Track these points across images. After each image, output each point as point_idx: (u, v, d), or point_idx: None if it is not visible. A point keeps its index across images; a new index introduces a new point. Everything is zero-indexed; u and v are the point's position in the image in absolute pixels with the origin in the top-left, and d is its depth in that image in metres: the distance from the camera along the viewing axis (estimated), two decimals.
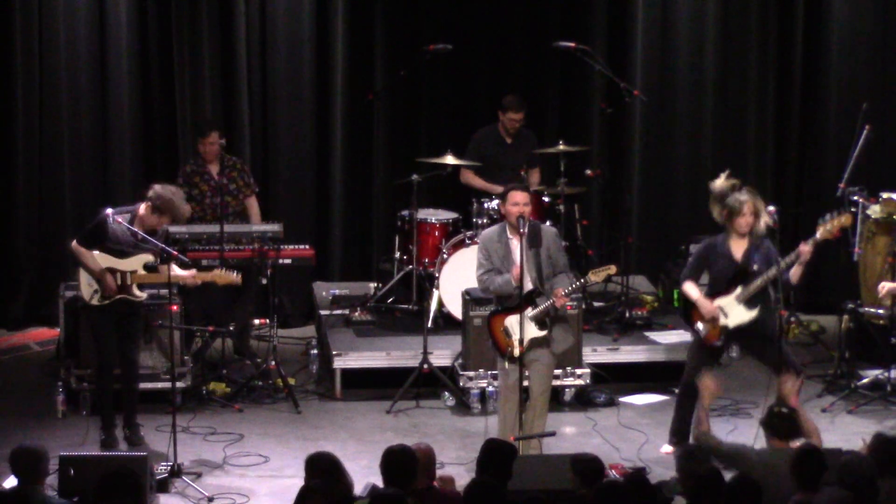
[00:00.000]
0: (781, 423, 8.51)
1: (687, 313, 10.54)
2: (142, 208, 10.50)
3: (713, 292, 10.37)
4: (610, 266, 10.25)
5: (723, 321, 10.30)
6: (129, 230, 10.49)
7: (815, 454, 7.90)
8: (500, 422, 10.31)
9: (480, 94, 13.85)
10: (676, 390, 10.78)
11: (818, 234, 10.25)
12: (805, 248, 10.16)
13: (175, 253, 10.40)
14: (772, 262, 10.19)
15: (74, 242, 10.64)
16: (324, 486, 7.61)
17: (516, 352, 10.03)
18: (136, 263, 10.54)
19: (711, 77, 14.13)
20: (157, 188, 10.51)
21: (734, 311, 10.28)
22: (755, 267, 10.22)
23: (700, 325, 10.37)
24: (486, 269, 10.22)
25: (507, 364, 10.13)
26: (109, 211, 10.57)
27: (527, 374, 10.10)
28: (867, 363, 12.11)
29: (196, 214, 12.28)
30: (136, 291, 10.58)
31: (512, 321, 10.09)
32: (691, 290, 10.43)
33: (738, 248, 10.32)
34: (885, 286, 10.90)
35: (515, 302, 10.09)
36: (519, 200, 10.05)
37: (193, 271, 10.75)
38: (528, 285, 10.04)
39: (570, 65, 13.74)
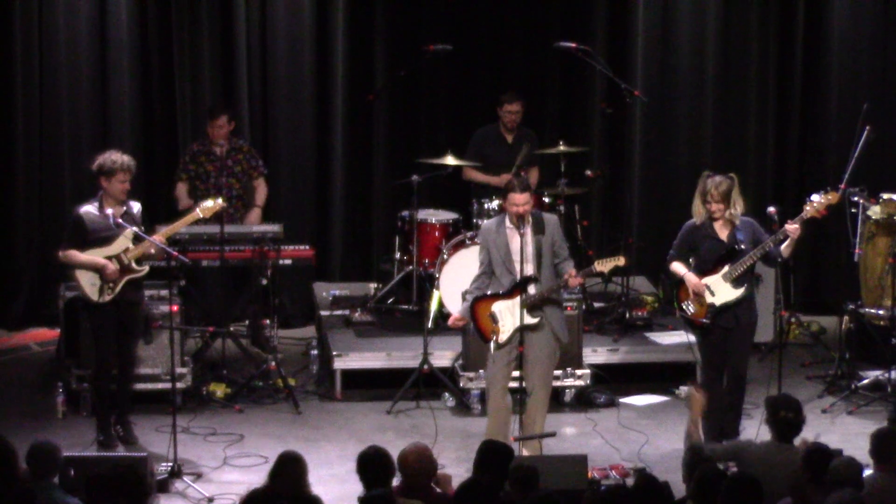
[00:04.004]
0: (789, 428, 8.54)
1: (675, 294, 10.59)
2: (102, 185, 10.54)
3: (700, 272, 10.40)
4: (619, 257, 10.22)
5: (709, 299, 10.32)
6: (102, 214, 10.52)
7: (824, 452, 7.94)
8: (490, 414, 10.29)
9: (480, 94, 13.82)
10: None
11: (805, 213, 10.31)
12: (791, 227, 10.20)
13: (175, 253, 10.39)
14: (758, 240, 10.27)
15: (60, 251, 10.66)
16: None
17: (501, 338, 10.04)
18: (124, 242, 10.56)
19: (711, 77, 14.12)
20: (96, 163, 10.56)
21: (721, 290, 10.31)
22: (742, 246, 10.27)
23: (687, 304, 10.40)
24: (480, 273, 10.22)
25: (492, 350, 10.13)
26: (79, 209, 10.64)
27: (517, 373, 10.10)
28: (868, 364, 12.11)
29: (200, 193, 12.31)
30: (136, 266, 10.61)
31: (500, 307, 10.07)
32: (678, 268, 10.47)
33: (722, 229, 10.37)
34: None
35: (506, 288, 10.07)
36: (518, 202, 9.97)
37: (180, 223, 10.82)
38: (529, 271, 10.01)
39: (571, 65, 13.73)
